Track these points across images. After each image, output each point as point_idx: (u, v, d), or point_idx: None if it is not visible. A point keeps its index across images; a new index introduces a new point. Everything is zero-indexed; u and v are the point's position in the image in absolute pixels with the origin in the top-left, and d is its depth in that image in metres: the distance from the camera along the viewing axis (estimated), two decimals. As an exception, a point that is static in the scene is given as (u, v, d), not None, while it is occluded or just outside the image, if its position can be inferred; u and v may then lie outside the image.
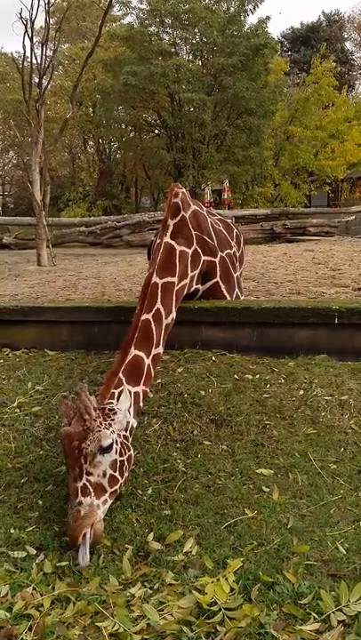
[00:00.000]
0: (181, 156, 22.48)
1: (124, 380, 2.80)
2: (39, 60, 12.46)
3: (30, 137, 12.63)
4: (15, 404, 3.62)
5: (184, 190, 3.76)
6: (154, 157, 24.99)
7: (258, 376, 3.75)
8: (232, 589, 2.05)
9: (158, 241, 3.54)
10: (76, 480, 2.38)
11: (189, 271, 3.69)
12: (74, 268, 10.82)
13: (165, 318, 3.24)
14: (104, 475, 2.43)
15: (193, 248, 3.71)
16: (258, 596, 2.02)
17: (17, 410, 3.57)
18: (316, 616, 1.92)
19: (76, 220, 21.32)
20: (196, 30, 22.73)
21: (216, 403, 3.42)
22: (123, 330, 3.20)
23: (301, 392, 3.55)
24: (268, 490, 2.69)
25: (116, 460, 2.48)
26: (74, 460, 2.40)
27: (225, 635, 1.87)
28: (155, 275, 3.25)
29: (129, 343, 2.96)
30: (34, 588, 2.11)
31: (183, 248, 3.58)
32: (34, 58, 12.71)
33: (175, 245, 3.50)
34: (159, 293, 3.22)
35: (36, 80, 12.65)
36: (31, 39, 12.40)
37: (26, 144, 17.83)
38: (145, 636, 1.89)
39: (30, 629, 1.93)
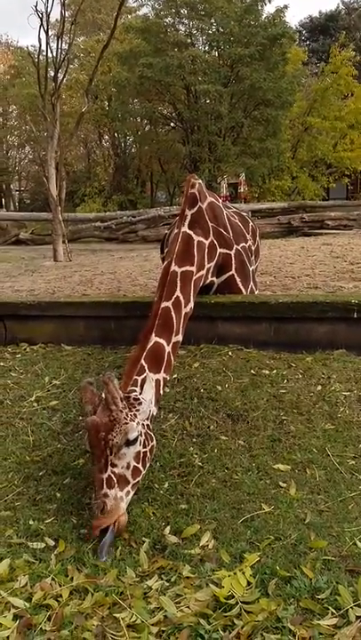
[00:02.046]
0: (197, 150, 22.39)
1: (146, 367, 2.80)
2: (55, 54, 12.48)
3: (46, 131, 12.65)
4: (33, 398, 3.66)
5: (200, 181, 3.76)
6: (169, 151, 24.93)
7: (275, 371, 3.73)
8: (249, 583, 2.06)
9: (176, 231, 3.55)
10: (102, 471, 2.39)
11: (206, 262, 3.69)
12: (90, 264, 10.86)
13: (185, 307, 3.24)
14: (128, 466, 2.45)
15: (210, 240, 3.71)
16: (275, 590, 2.02)
17: (35, 404, 3.61)
18: (333, 611, 1.92)
19: (92, 215, 21.38)
20: (213, 20, 22.56)
21: (233, 398, 3.42)
22: (139, 325, 3.21)
23: (319, 387, 3.53)
24: (285, 485, 2.68)
25: (139, 451, 2.49)
26: (100, 451, 2.41)
27: (242, 628, 1.88)
28: (173, 263, 3.26)
29: (150, 330, 2.96)
30: (52, 579, 2.14)
31: (201, 239, 3.58)
32: (49, 51, 12.71)
33: (193, 235, 3.51)
34: (178, 282, 3.22)
35: (52, 74, 12.66)
36: (47, 32, 12.37)
37: (42, 139, 17.87)
38: (162, 628, 1.91)
39: (49, 619, 1.96)
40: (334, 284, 6.42)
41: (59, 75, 12.56)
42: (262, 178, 24.78)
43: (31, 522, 2.50)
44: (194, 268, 3.42)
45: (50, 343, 4.60)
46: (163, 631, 1.89)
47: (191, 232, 3.50)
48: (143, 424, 2.56)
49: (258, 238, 4.86)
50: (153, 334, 2.94)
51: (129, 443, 2.43)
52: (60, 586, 2.11)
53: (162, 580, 2.13)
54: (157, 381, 2.86)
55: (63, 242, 12.28)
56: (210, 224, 3.74)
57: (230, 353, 4.02)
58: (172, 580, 2.13)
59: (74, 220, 19.34)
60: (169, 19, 23.18)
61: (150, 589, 2.08)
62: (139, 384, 2.72)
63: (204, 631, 1.87)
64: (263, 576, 2.09)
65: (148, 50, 21.85)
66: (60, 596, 2.06)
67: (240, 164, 22.60)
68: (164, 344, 2.97)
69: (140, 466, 2.49)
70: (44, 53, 12.84)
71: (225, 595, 2.00)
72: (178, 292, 3.19)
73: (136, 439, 2.46)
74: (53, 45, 12.57)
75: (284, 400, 3.40)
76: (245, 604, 1.96)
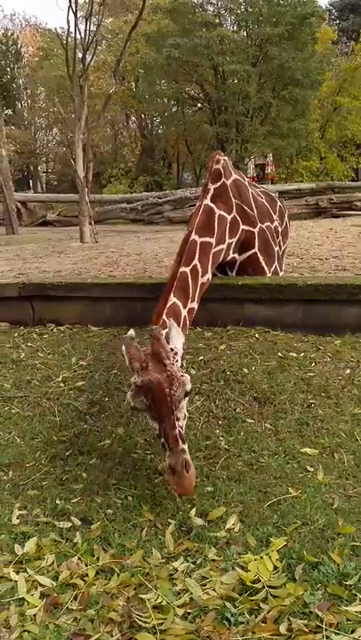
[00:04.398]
0: (224, 130, 22.07)
1: (168, 323, 2.76)
2: (83, 35, 12.35)
3: (74, 113, 12.60)
4: (60, 379, 3.68)
5: (226, 158, 3.71)
6: (196, 132, 24.67)
7: (303, 354, 3.67)
8: (275, 568, 2.04)
9: (198, 203, 3.51)
10: (173, 427, 2.38)
11: (227, 237, 3.65)
12: (116, 245, 10.85)
13: (201, 276, 3.21)
14: (184, 418, 2.48)
15: (232, 215, 3.67)
16: (302, 575, 2.00)
17: (62, 384, 3.62)
18: (362, 598, 1.88)
19: (118, 196, 21.37)
20: (241, 0, 22.04)
21: (259, 380, 3.37)
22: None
23: (348, 371, 3.46)
24: (312, 469, 2.64)
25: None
26: (167, 407, 2.39)
27: (268, 612, 1.85)
28: (193, 233, 3.24)
29: (169, 290, 2.95)
30: (79, 558, 2.16)
31: (222, 213, 3.55)
32: (78, 33, 12.58)
33: (215, 209, 3.48)
34: (197, 251, 3.21)
35: (80, 55, 12.54)
36: (75, 14, 12.26)
37: (69, 120, 17.83)
38: (188, 610, 1.90)
39: (75, 598, 1.97)
40: (364, 266, 6.28)
41: (87, 56, 12.46)
42: (290, 158, 24.36)
43: (58, 501, 2.51)
44: (213, 240, 3.39)
45: (77, 324, 4.61)
46: (188, 613, 1.89)
47: (213, 205, 3.48)
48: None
49: (286, 219, 4.76)
50: (172, 294, 2.92)
51: (187, 394, 2.45)
52: (87, 565, 2.12)
53: (187, 562, 2.12)
54: None
55: (90, 223, 12.29)
56: (233, 200, 3.70)
57: (257, 335, 3.96)
58: (198, 562, 2.12)
59: (100, 202, 19.37)
60: (197, -2, 22.72)
61: (176, 571, 2.08)
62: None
63: (230, 614, 1.86)
64: (290, 561, 2.06)
65: (176, 30, 21.51)
66: (87, 575, 2.07)
67: (268, 145, 22.23)
68: (181, 307, 2.96)
69: (184, 416, 2.50)
70: (73, 35, 12.71)
71: (251, 578, 1.98)
72: (196, 261, 3.17)
73: (191, 390, 2.47)
74: (82, 27, 12.44)
75: (312, 383, 3.34)
76: (272, 589, 1.94)
